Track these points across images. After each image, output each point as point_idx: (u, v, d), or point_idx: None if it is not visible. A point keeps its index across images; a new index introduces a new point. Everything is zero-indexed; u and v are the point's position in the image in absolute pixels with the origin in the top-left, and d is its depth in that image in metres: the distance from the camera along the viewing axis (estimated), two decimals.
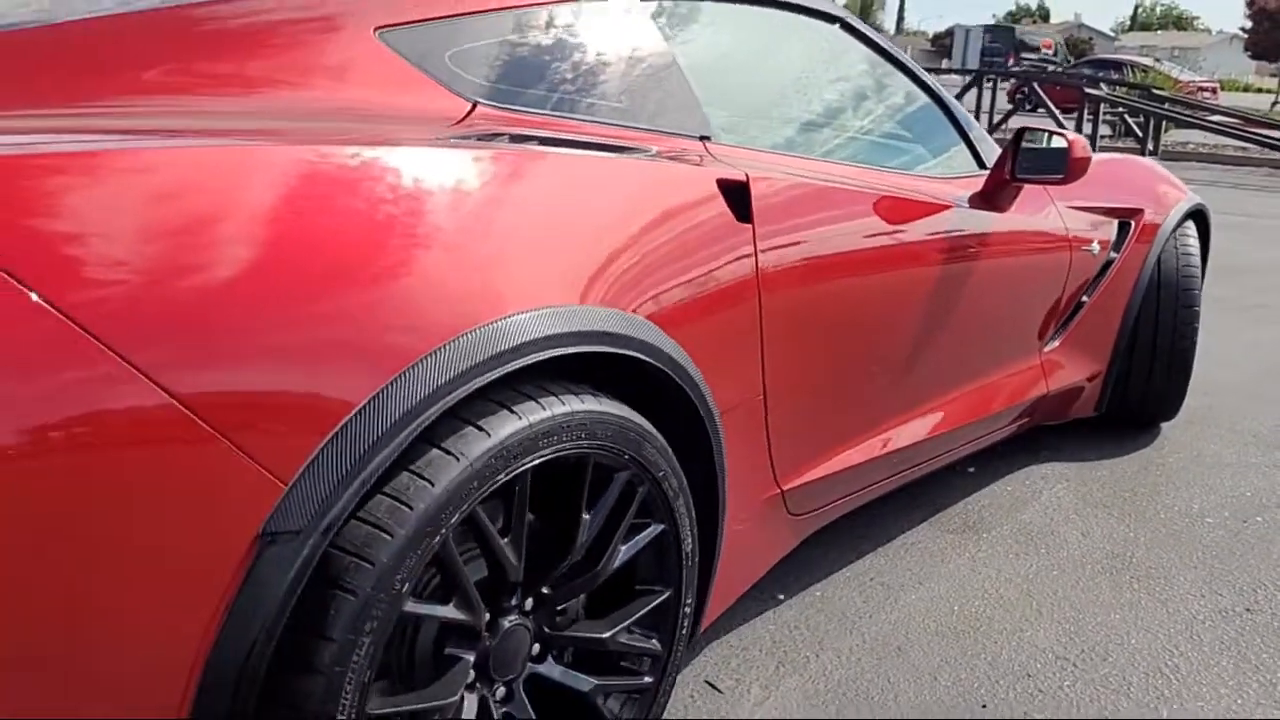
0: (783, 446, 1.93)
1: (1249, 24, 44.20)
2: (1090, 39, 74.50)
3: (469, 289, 1.29)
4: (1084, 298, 3.02)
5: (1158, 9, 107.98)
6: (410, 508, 1.20)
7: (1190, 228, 3.32)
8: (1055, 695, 2.02)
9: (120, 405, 1.01)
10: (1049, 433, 3.30)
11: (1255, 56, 45.98)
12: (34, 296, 0.95)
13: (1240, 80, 52.91)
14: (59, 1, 1.48)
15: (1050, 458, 3.23)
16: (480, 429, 1.27)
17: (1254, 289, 5.94)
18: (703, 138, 1.87)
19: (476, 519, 1.29)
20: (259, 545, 1.10)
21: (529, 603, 1.46)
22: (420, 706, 1.29)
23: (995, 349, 2.73)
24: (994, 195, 2.53)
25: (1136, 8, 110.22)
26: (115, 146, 1.12)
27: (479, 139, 1.49)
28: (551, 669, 1.51)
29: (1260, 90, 47.91)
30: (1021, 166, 2.49)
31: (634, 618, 1.57)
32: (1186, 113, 16.33)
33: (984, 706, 1.99)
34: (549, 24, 1.78)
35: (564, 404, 1.37)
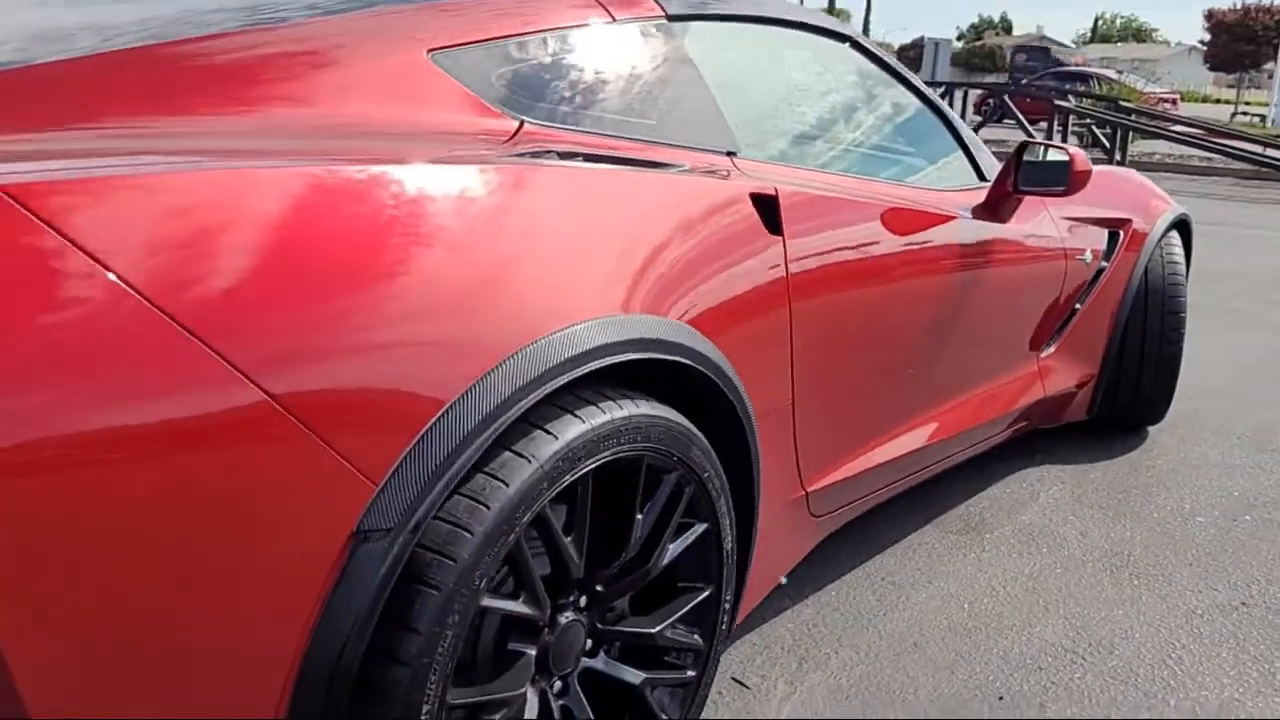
0: (808, 448, 2.01)
1: (1208, 37, 45.03)
2: (1051, 51, 75.52)
3: (536, 299, 1.36)
4: (1077, 305, 3.12)
5: (1117, 21, 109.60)
6: (487, 507, 1.26)
7: (1175, 237, 3.44)
8: (1067, 686, 2.11)
9: (223, 406, 1.06)
10: (1043, 437, 3.40)
11: (1214, 68, 46.90)
12: (143, 301, 1.01)
13: (1199, 91, 53.89)
14: (36, 41, 1.51)
15: (1045, 461, 3.33)
16: (548, 432, 1.34)
17: (1227, 295, 6.10)
18: (729, 153, 1.95)
19: (545, 518, 1.35)
20: (353, 543, 1.16)
21: (583, 600, 1.53)
22: (492, 698, 1.35)
23: (999, 354, 2.83)
24: (997, 207, 2.63)
25: (1097, 20, 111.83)
26: (212, 167, 1.17)
27: (532, 156, 1.56)
28: (605, 663, 1.58)
29: (1219, 101, 48.82)
30: (1024, 179, 2.58)
31: (679, 613, 1.64)
32: (1152, 124, 16.63)
33: (1000, 699, 2.07)
34: (587, 45, 1.85)
35: (621, 408, 1.43)
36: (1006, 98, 17.45)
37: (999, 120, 18.24)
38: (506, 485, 1.28)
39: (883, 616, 2.35)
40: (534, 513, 1.32)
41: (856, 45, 2.54)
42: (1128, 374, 3.38)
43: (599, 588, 1.54)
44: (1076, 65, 32.55)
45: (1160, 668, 2.19)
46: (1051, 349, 3.07)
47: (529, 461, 1.30)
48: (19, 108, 1.29)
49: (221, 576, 1.09)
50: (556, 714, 1.49)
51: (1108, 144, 15.72)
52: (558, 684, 1.51)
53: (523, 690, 1.39)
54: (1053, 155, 2.68)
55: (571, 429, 1.36)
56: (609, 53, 1.89)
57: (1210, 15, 43.28)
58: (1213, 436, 3.63)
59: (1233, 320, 5.50)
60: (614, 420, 1.41)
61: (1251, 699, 2.09)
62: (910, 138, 2.70)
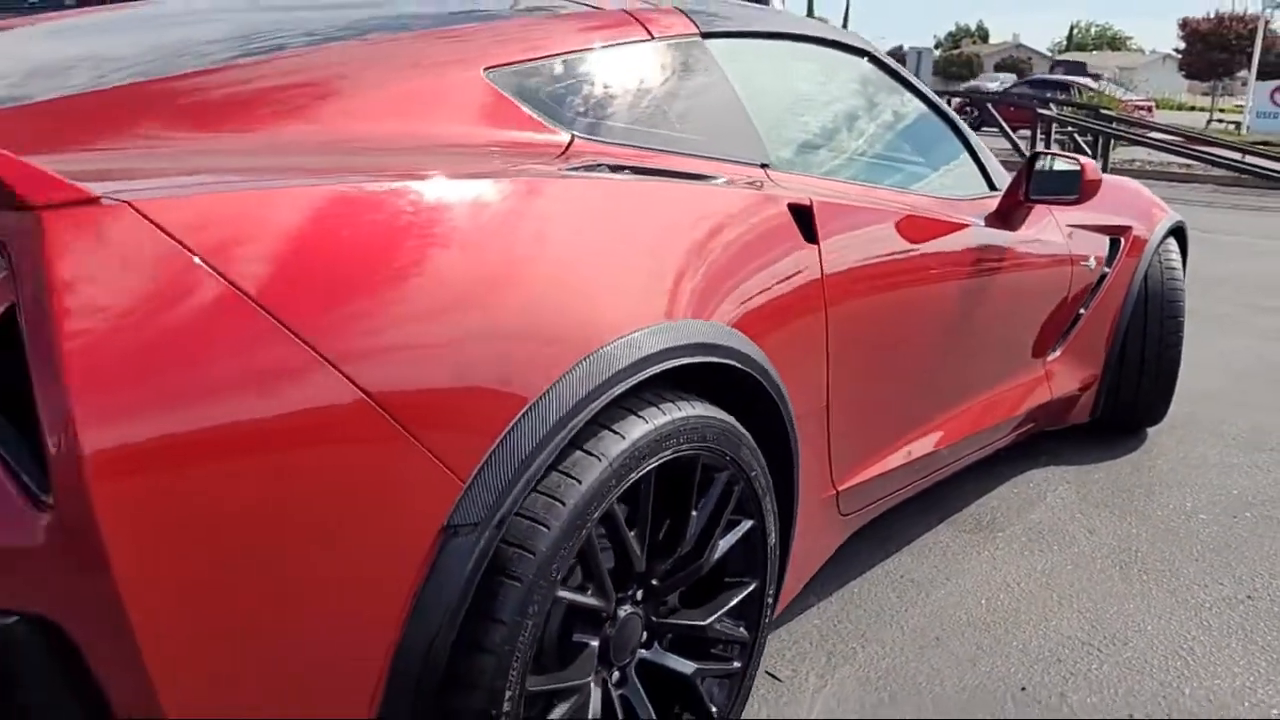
0: (840, 448, 2.09)
1: (1182, 45, 45.50)
2: (1029, 59, 76.18)
3: (599, 306, 1.44)
4: (1081, 310, 3.21)
5: (1092, 30, 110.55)
6: (563, 503, 1.33)
7: (1172, 243, 3.54)
8: (1086, 677, 2.19)
9: (324, 403, 1.11)
10: (1047, 439, 3.49)
11: (1189, 76, 47.33)
12: (250, 301, 1.07)
13: (1174, 99, 54.42)
14: (30, 77, 1.58)
15: (1050, 462, 3.42)
16: (615, 432, 1.41)
17: (1215, 299, 6.22)
18: (763, 165, 2.02)
19: (613, 514, 1.42)
20: (443, 538, 1.22)
21: (640, 593, 1.59)
22: (563, 685, 1.42)
23: (1011, 357, 2.92)
24: (1009, 215, 2.72)
25: (1072, 28, 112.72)
26: (307, 184, 1.24)
27: (586, 170, 1.63)
28: (659, 654, 1.64)
29: (1194, 108, 49.31)
30: (1036, 188, 2.67)
31: (728, 606, 1.71)
32: (1133, 131, 16.83)
33: (1023, 689, 2.14)
34: (627, 63, 1.93)
35: (680, 409, 1.51)
36: (990, 106, 17.62)
37: (977, 129, 18.38)
38: (579, 483, 1.35)
39: (904, 612, 2.43)
40: (604, 509, 1.39)
41: (873, 59, 2.62)
42: (1129, 377, 3.47)
43: (655, 581, 1.61)
44: (1085, 78, 32.70)
45: (1173, 658, 2.27)
46: (1057, 352, 3.16)
47: (599, 460, 1.37)
48: (87, 129, 1.36)
49: (323, 573, 1.15)
50: (616, 704, 1.56)
51: (1090, 152, 15.89)
52: (616, 674, 1.57)
53: (588, 679, 1.46)
54: (1061, 165, 2.76)
55: (636, 429, 1.43)
56: (648, 70, 1.96)
57: (1185, 24, 43.70)
58: (1210, 437, 3.73)
59: (1222, 324, 5.62)
60: (674, 420, 1.48)
61: (1262, 686, 2.18)
62: (925, 147, 2.78)
